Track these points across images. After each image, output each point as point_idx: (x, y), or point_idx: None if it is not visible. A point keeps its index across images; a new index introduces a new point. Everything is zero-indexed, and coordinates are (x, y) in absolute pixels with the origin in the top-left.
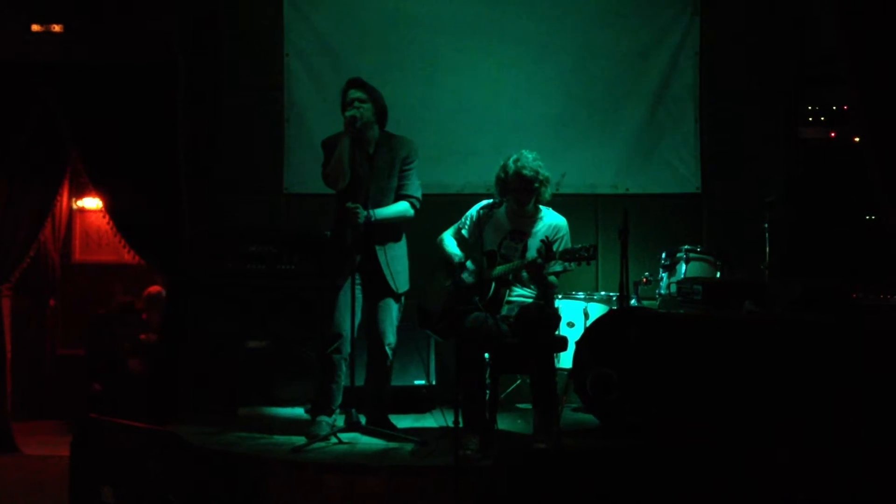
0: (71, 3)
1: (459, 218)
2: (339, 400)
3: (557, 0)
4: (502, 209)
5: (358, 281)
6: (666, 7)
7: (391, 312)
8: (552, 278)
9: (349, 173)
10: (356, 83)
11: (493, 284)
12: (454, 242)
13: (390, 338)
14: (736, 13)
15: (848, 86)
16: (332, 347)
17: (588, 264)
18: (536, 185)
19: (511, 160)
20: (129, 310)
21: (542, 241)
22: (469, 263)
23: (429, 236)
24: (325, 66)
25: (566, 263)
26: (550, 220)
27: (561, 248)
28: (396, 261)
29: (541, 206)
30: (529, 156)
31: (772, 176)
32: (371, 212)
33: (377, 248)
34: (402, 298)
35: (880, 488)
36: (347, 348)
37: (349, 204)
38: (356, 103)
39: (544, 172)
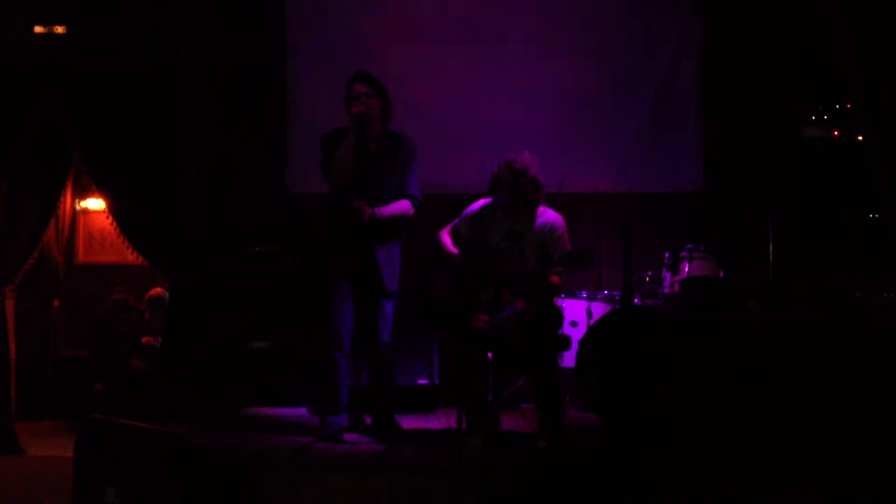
0: (73, 5)
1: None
2: (346, 399)
3: None
4: (500, 208)
5: (353, 279)
6: (669, 6)
7: (385, 312)
8: (554, 278)
9: (353, 170)
10: (363, 77)
11: (495, 284)
12: (451, 241)
13: (385, 337)
14: (740, 12)
15: (851, 84)
16: (333, 346)
17: (586, 269)
18: (524, 181)
19: (506, 157)
20: (124, 307)
21: (538, 244)
22: (467, 262)
23: (429, 235)
24: (328, 65)
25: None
26: (547, 218)
27: (558, 247)
28: (396, 260)
29: (539, 206)
30: (527, 156)
31: (775, 175)
32: (375, 210)
33: (378, 246)
34: (394, 298)
35: (883, 486)
36: (348, 345)
37: (355, 202)
38: (363, 98)
39: (536, 174)
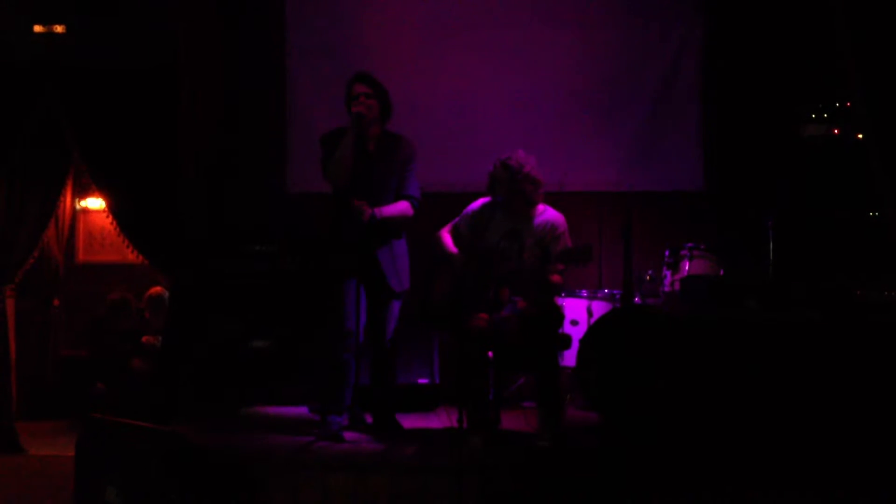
0: (73, 5)
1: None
2: (349, 400)
3: None
4: (500, 207)
5: (358, 280)
6: (669, 6)
7: (391, 311)
8: (555, 277)
9: (351, 170)
10: (363, 77)
11: (495, 283)
12: (452, 239)
13: (390, 336)
14: (739, 11)
15: (851, 83)
16: (343, 346)
17: (584, 265)
18: (520, 178)
19: (500, 157)
20: (123, 306)
21: (537, 243)
22: (467, 261)
23: (430, 234)
24: (327, 65)
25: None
26: (547, 217)
27: (559, 246)
28: (400, 259)
29: (538, 205)
30: (521, 154)
31: (775, 173)
32: (376, 210)
33: (381, 246)
34: (402, 297)
35: (883, 485)
36: (355, 346)
37: (355, 202)
38: (362, 98)
39: (531, 171)
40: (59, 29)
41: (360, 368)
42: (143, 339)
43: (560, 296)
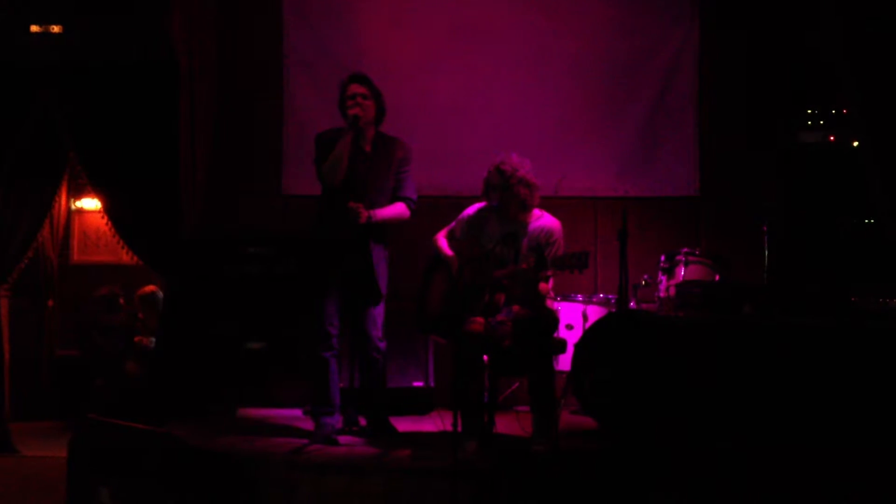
0: (70, 4)
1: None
2: (338, 399)
3: (557, 3)
4: (495, 212)
5: (345, 281)
6: (666, 12)
7: (377, 313)
8: (542, 285)
9: (347, 171)
10: (359, 78)
11: (489, 288)
12: (447, 244)
13: (376, 339)
14: (735, 18)
15: (846, 90)
16: (323, 346)
17: (580, 272)
18: (514, 182)
19: (494, 161)
20: (109, 302)
21: (532, 248)
22: (463, 265)
23: (427, 238)
24: (324, 68)
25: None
26: (543, 223)
27: (553, 253)
28: (382, 263)
29: (535, 210)
30: (515, 158)
31: (771, 179)
32: (372, 212)
33: (373, 248)
34: (384, 299)
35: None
36: (337, 345)
37: (351, 203)
38: (359, 99)
39: (526, 175)
40: (55, 29)
41: (353, 371)
42: (136, 339)
43: (553, 299)
